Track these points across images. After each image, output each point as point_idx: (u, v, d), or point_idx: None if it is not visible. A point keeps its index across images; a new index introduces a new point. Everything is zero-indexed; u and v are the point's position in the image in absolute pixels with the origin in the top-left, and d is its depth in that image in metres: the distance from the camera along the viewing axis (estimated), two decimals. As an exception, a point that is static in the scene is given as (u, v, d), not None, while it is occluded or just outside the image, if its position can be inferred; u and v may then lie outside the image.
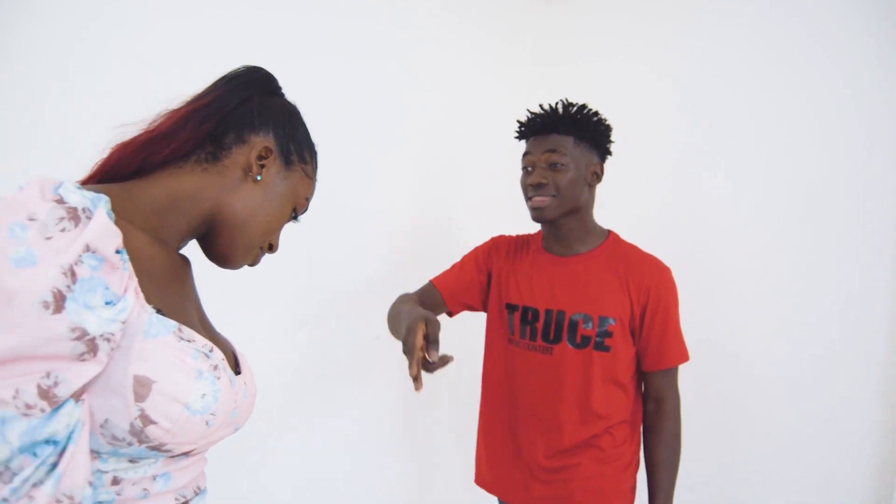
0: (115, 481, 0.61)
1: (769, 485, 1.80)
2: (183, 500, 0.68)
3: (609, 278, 1.28)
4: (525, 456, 1.33)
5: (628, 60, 2.17)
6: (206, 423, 0.63)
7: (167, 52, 1.41)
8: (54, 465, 0.52)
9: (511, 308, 1.37)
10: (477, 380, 1.49)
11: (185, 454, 0.66)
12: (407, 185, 1.95)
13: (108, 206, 0.58)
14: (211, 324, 0.80)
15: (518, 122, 1.37)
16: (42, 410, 0.51)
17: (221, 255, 0.76)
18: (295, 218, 0.82)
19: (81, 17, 1.28)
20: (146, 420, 0.58)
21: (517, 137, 1.39)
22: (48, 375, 0.51)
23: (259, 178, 0.74)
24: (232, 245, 0.75)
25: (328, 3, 1.72)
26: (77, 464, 0.53)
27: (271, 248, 0.81)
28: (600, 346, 1.26)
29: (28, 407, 0.50)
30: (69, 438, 0.53)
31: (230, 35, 1.52)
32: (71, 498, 0.53)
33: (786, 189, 1.79)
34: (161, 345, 0.60)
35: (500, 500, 1.42)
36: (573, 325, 1.27)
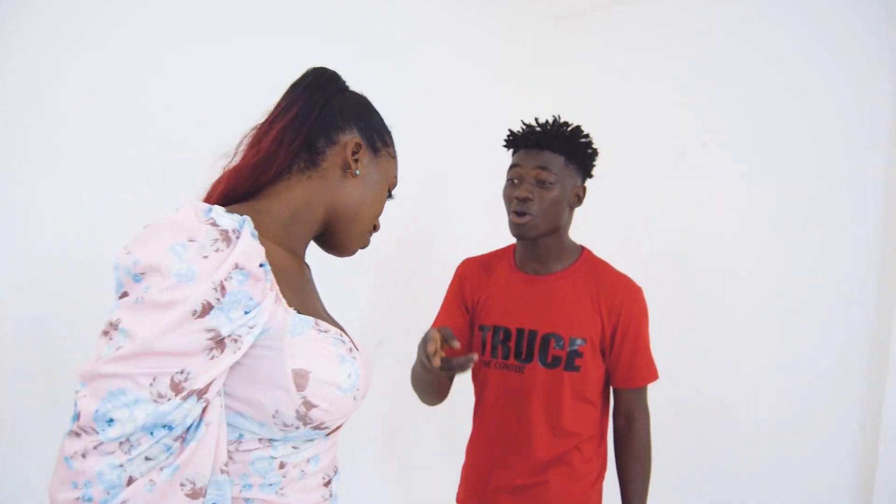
0: (282, 465, 0.72)
1: (757, 490, 1.82)
2: (327, 479, 0.79)
3: (581, 297, 1.29)
4: (498, 473, 1.33)
5: (627, 61, 2.17)
6: (354, 398, 0.74)
7: (167, 53, 1.41)
8: (168, 449, 0.61)
9: (483, 328, 1.37)
10: (461, 397, 1.49)
11: (331, 434, 0.77)
12: (407, 185, 1.94)
13: (252, 226, 0.67)
14: (331, 315, 0.87)
15: (510, 131, 1.36)
16: (169, 400, 0.59)
17: (340, 247, 0.86)
18: (390, 196, 0.91)
19: (82, 17, 1.28)
20: (309, 405, 0.68)
21: (506, 146, 1.38)
22: (182, 372, 0.60)
23: (357, 172, 0.82)
24: (349, 236, 0.85)
25: (328, 4, 1.72)
26: (202, 457, 0.62)
27: (375, 227, 0.90)
28: (570, 367, 1.27)
29: (160, 395, 0.59)
30: (195, 432, 0.62)
31: (230, 35, 1.52)
32: (193, 483, 0.62)
33: (778, 203, 1.80)
34: (306, 340, 0.70)
35: None
36: (544, 345, 1.28)
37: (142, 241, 0.65)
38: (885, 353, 1.57)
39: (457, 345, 1.01)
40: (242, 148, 0.82)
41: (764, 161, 1.83)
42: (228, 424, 0.69)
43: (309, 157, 0.80)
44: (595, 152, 1.35)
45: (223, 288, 0.62)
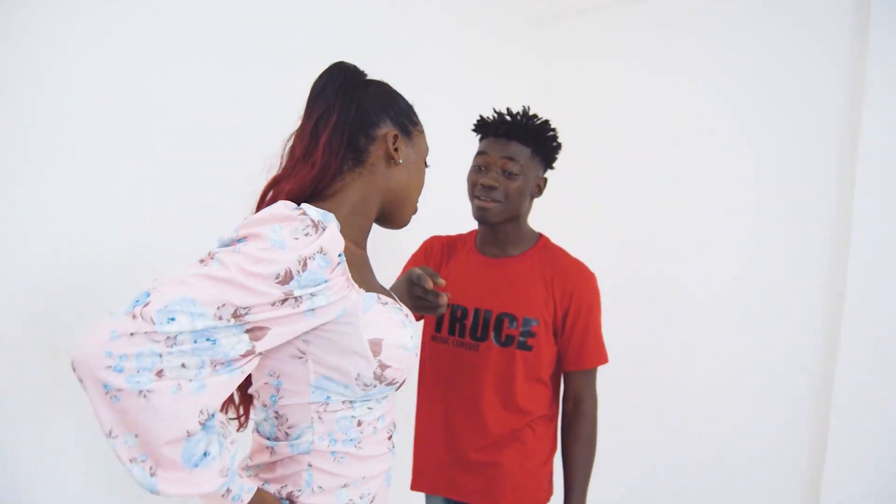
0: (359, 423, 0.85)
1: (712, 473, 1.94)
2: (390, 433, 0.93)
3: (536, 281, 1.34)
4: (453, 450, 1.37)
5: (626, 61, 2.18)
6: (415, 355, 0.88)
7: (167, 53, 1.41)
8: (202, 366, 0.68)
9: None
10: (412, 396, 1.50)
11: (398, 389, 0.91)
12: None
13: (336, 220, 0.79)
14: (385, 288, 0.97)
15: (481, 117, 1.39)
16: (222, 321, 0.68)
17: (397, 223, 0.98)
18: (427, 165, 1.01)
19: (82, 18, 1.28)
20: (384, 366, 0.82)
21: (475, 130, 1.40)
22: (247, 309, 0.70)
23: (400, 161, 0.92)
24: (403, 213, 0.97)
25: (328, 4, 1.73)
26: (222, 395, 0.71)
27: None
28: (523, 346, 1.32)
29: (219, 318, 0.68)
30: (228, 370, 0.71)
31: (231, 37, 1.52)
32: (207, 413, 0.69)
33: (756, 202, 1.89)
34: (375, 313, 0.82)
35: (429, 494, 1.44)
36: (499, 324, 1.33)
37: (243, 226, 0.75)
38: (835, 344, 1.69)
39: (442, 282, 1.11)
40: (286, 152, 0.89)
41: (740, 162, 1.91)
42: (318, 388, 0.81)
43: (355, 157, 0.88)
44: (559, 146, 1.39)
45: (305, 264, 0.72)
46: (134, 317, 0.64)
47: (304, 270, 0.72)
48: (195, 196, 1.47)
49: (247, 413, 0.95)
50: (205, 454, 0.70)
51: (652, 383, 2.07)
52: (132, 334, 0.64)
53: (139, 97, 1.37)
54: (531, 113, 1.35)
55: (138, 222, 1.39)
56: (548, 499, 1.40)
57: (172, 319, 0.65)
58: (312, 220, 0.75)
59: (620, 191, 2.18)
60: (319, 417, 0.82)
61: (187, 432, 0.67)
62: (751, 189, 1.88)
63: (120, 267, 1.37)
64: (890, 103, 1.60)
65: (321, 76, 0.90)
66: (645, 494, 2.07)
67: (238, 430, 0.91)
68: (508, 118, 1.34)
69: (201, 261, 0.72)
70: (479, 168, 1.35)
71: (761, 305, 1.85)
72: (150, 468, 0.67)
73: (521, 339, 1.32)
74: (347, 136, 0.87)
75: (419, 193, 0.99)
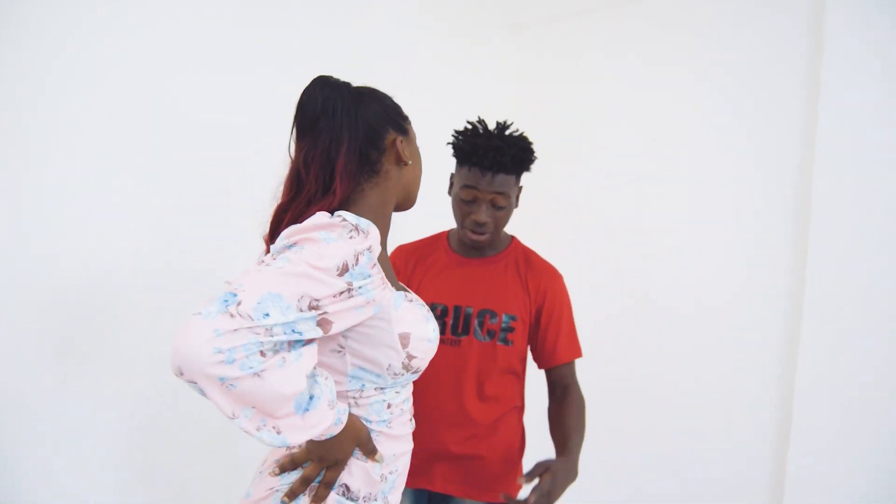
0: (389, 406, 0.94)
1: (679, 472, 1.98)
2: (411, 414, 1.02)
3: (512, 279, 1.40)
4: (434, 443, 1.38)
5: (621, 60, 2.19)
6: (436, 345, 0.97)
7: (166, 53, 1.41)
8: (281, 345, 0.77)
9: None
10: None
11: (415, 376, 0.98)
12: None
13: (375, 227, 0.86)
14: (402, 284, 1.04)
15: (458, 140, 1.36)
16: (303, 313, 0.77)
17: (407, 207, 1.05)
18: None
19: (82, 18, 1.28)
20: (411, 357, 0.91)
21: (456, 157, 1.37)
22: (319, 299, 0.78)
23: (409, 162, 0.98)
24: (412, 199, 1.05)
25: (329, 4, 1.73)
26: (314, 356, 0.80)
27: None
28: (504, 340, 1.37)
29: (300, 310, 0.76)
30: (300, 344, 0.79)
31: (230, 37, 1.52)
32: (305, 374, 0.78)
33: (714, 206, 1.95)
34: (404, 310, 0.91)
35: (408, 487, 1.43)
36: (480, 320, 1.38)
37: (289, 234, 0.82)
38: (797, 340, 1.76)
39: None
40: (289, 174, 0.92)
41: (737, 162, 1.93)
42: (354, 377, 0.90)
43: (369, 168, 0.94)
44: (535, 155, 1.39)
45: (358, 259, 0.81)
46: (232, 315, 0.72)
47: (356, 264, 0.80)
48: (195, 196, 1.48)
49: None
50: (311, 397, 0.81)
51: (641, 384, 2.08)
52: (235, 330, 0.71)
53: (139, 97, 1.37)
54: (508, 132, 1.33)
55: (138, 222, 1.39)
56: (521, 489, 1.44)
57: (267, 315, 0.73)
58: (353, 225, 0.83)
59: (611, 192, 2.18)
60: (356, 403, 0.91)
61: (297, 392, 0.77)
62: (752, 189, 1.89)
63: (120, 267, 1.37)
64: (846, 103, 1.66)
65: (311, 96, 0.90)
66: (629, 492, 2.09)
67: None
68: (493, 149, 1.29)
69: (261, 261, 0.80)
70: (468, 202, 1.34)
71: (760, 306, 1.86)
72: (275, 428, 0.78)
73: (503, 333, 1.37)
74: (359, 156, 0.92)
75: (422, 174, 1.05)
